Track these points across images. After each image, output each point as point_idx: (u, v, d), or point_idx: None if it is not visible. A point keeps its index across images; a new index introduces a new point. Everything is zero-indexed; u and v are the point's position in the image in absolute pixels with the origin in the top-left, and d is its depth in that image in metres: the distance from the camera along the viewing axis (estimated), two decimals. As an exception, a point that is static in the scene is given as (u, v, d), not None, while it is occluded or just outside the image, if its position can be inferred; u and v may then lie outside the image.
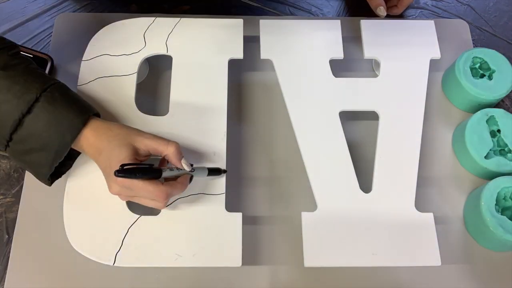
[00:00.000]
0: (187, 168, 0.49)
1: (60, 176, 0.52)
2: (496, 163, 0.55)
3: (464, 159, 0.58)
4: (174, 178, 0.49)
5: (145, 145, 0.48)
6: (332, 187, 0.53)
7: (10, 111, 0.46)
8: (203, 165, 0.52)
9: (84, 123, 0.48)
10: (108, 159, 0.47)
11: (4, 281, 0.52)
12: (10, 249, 0.53)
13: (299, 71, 0.59)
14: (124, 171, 0.45)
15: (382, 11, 0.65)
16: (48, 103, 0.46)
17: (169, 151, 0.48)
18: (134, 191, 0.47)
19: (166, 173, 0.48)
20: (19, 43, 0.66)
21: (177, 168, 0.49)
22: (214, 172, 0.52)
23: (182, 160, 0.49)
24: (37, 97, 0.46)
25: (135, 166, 0.46)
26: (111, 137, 0.47)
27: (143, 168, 0.46)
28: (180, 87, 0.57)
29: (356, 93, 0.58)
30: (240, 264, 0.49)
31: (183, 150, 0.51)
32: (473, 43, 0.67)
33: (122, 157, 0.46)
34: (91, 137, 0.48)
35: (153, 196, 0.46)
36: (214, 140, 0.54)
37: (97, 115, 0.51)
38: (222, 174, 0.52)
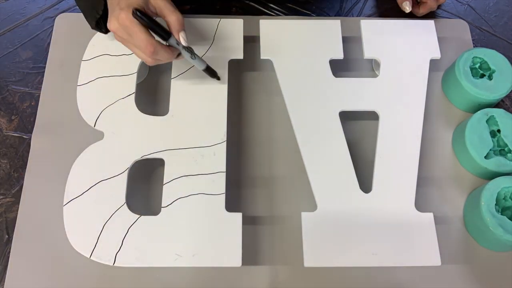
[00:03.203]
0: (183, 42, 0.50)
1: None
2: (496, 163, 0.55)
3: (464, 159, 0.58)
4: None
5: (155, 3, 0.49)
6: (332, 187, 0.53)
7: None
8: (202, 165, 0.52)
9: None
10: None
11: (4, 281, 0.52)
12: (10, 249, 0.53)
13: (299, 71, 0.59)
14: (142, 13, 0.47)
15: (408, 5, 0.65)
16: None
17: (171, 18, 0.49)
18: (129, 35, 0.48)
19: (172, 41, 0.50)
20: (19, 43, 0.66)
21: (182, 47, 0.51)
22: (210, 72, 0.54)
23: (180, 33, 0.50)
24: None
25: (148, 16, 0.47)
26: None
27: (158, 22, 0.48)
28: (180, 87, 0.57)
29: (356, 93, 0.58)
30: (240, 264, 0.49)
31: (183, 150, 0.51)
32: (473, 43, 0.67)
33: (134, 2, 0.47)
34: None
35: (143, 45, 0.47)
36: (214, 140, 0.54)
37: None
38: (216, 79, 0.55)
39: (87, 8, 0.54)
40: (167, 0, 0.50)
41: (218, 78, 0.55)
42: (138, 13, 0.46)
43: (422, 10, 0.67)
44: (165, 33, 0.49)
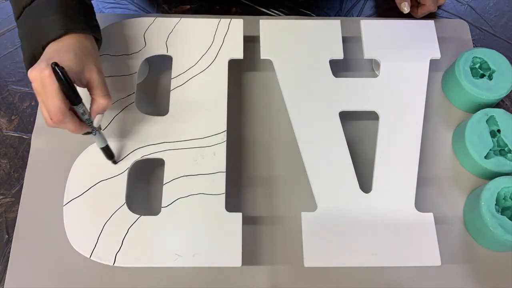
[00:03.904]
0: (95, 123, 0.49)
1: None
2: (496, 163, 0.55)
3: (464, 159, 0.58)
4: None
5: (90, 77, 0.48)
6: (332, 187, 0.53)
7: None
8: (202, 165, 0.52)
9: (58, 36, 0.48)
10: (55, 51, 0.47)
11: (4, 281, 0.52)
12: (10, 249, 0.53)
13: (299, 71, 0.59)
14: (62, 69, 0.44)
15: (406, 6, 0.65)
16: (44, 1, 0.50)
17: (100, 101, 0.48)
18: (45, 90, 0.44)
19: (80, 108, 0.47)
20: (19, 43, 0.66)
21: (89, 117, 0.48)
22: (107, 153, 0.52)
23: (97, 115, 0.49)
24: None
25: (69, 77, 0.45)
26: (76, 46, 0.48)
27: (74, 86, 0.45)
28: (180, 87, 0.57)
29: (356, 93, 0.58)
30: (240, 264, 0.49)
31: (183, 150, 0.51)
32: (473, 43, 0.67)
33: (67, 61, 0.46)
34: (62, 47, 0.48)
35: (54, 110, 0.44)
36: (214, 140, 0.54)
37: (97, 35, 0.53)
38: (112, 162, 0.53)
39: (27, 51, 0.51)
40: (103, 82, 0.49)
41: (115, 162, 0.53)
42: (58, 70, 0.43)
43: (421, 11, 0.67)
44: (77, 97, 0.46)
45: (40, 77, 0.44)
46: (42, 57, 0.47)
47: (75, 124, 0.47)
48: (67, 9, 0.50)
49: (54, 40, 0.48)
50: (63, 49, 0.48)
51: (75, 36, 0.49)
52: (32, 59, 0.50)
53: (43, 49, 0.49)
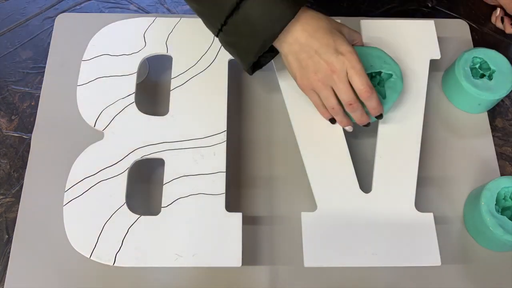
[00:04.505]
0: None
1: (261, 68, 0.54)
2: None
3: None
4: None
5: (347, 33, 0.53)
6: (332, 187, 0.53)
7: None
8: (202, 165, 0.52)
9: (293, 14, 0.47)
10: (331, 37, 0.48)
11: (4, 281, 0.52)
12: (10, 249, 0.53)
13: (299, 71, 0.59)
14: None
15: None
16: None
17: (360, 41, 0.56)
18: (352, 72, 0.48)
19: None
20: (19, 43, 0.66)
21: None
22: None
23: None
24: None
25: None
26: (324, 19, 0.50)
27: None
28: (180, 87, 0.57)
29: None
30: (240, 264, 0.49)
31: (183, 150, 0.51)
32: (473, 43, 0.67)
33: (346, 40, 0.49)
34: (298, 28, 0.48)
35: (361, 85, 0.49)
36: (214, 140, 0.54)
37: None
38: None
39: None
40: (349, 28, 0.55)
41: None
42: None
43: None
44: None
45: (347, 60, 0.48)
46: (317, 47, 0.48)
47: (378, 101, 0.50)
48: None
49: (289, 20, 0.47)
50: (314, 28, 0.49)
51: (305, 9, 0.49)
52: (261, 49, 0.49)
53: (280, 31, 0.48)
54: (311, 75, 0.50)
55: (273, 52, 0.53)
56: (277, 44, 0.50)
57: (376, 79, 0.56)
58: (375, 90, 0.50)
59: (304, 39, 0.49)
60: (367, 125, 0.54)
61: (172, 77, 0.58)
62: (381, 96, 0.54)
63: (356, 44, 0.56)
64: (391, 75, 0.55)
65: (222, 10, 0.47)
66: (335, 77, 0.49)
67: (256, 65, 0.53)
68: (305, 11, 0.49)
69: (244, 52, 0.50)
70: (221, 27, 0.49)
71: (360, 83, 0.48)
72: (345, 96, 0.50)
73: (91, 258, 0.49)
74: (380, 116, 0.52)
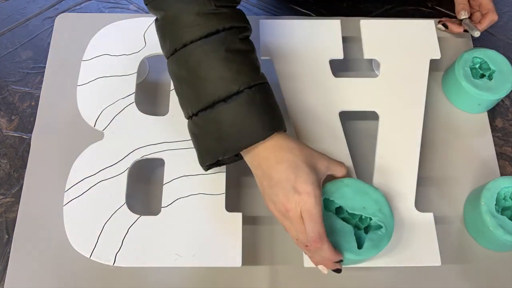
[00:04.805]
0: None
1: (218, 165, 0.50)
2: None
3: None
4: None
5: (325, 166, 0.47)
6: (332, 187, 0.53)
7: (210, 91, 0.44)
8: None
9: (263, 138, 0.45)
10: (293, 172, 0.44)
11: (4, 281, 0.52)
12: (10, 249, 0.53)
13: (299, 71, 0.59)
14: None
15: (464, 13, 0.64)
16: (245, 101, 0.44)
17: (342, 173, 0.49)
18: (307, 216, 0.43)
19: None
20: (19, 43, 0.66)
21: None
22: None
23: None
24: (239, 91, 0.44)
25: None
26: (296, 150, 0.45)
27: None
28: (180, 87, 0.57)
29: (356, 93, 0.58)
30: (240, 264, 0.49)
31: (183, 150, 0.51)
32: (473, 43, 0.67)
33: (311, 179, 0.44)
34: (264, 151, 0.45)
35: (312, 233, 0.43)
36: (214, 140, 0.54)
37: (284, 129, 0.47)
38: None
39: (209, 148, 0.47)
40: (329, 158, 0.48)
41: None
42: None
43: (482, 26, 0.64)
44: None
45: (303, 201, 0.43)
46: (276, 182, 0.44)
47: (332, 251, 0.44)
48: (270, 107, 0.46)
49: (257, 142, 0.44)
50: (278, 158, 0.44)
51: (278, 136, 0.45)
52: (222, 155, 0.46)
53: (244, 148, 0.45)
54: (270, 204, 0.46)
55: (237, 157, 0.49)
56: (243, 153, 0.47)
57: (365, 221, 0.49)
58: (327, 240, 0.44)
59: (266, 167, 0.45)
60: (337, 270, 0.47)
61: (172, 77, 0.58)
62: (357, 243, 0.47)
63: (337, 177, 0.50)
64: (380, 227, 0.48)
65: (199, 101, 0.45)
66: (290, 215, 0.44)
67: (214, 163, 0.49)
68: (279, 137, 0.45)
69: (204, 151, 0.47)
70: (191, 116, 0.47)
71: (311, 230, 0.43)
72: (301, 236, 0.44)
73: (91, 258, 0.49)
74: (339, 262, 0.46)
